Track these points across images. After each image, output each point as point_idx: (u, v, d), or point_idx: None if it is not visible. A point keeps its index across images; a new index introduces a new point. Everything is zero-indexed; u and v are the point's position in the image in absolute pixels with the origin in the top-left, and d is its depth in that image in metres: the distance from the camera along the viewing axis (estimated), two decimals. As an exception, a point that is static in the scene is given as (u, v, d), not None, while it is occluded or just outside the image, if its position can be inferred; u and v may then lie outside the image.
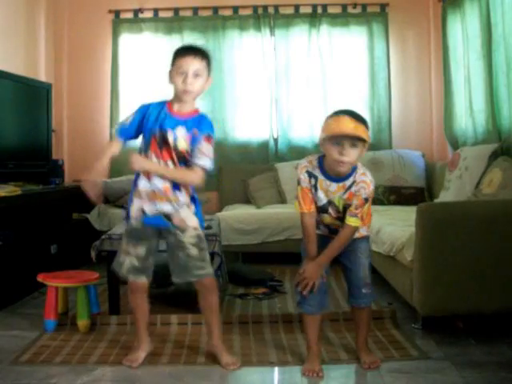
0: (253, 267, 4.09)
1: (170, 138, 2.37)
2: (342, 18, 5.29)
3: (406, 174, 4.88)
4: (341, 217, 2.38)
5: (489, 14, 3.96)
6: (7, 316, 3.24)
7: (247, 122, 5.35)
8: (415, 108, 5.37)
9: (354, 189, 2.31)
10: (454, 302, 2.74)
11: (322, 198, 2.36)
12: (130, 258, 2.47)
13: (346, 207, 2.35)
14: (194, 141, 2.37)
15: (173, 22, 5.32)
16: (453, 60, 4.76)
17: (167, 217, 2.42)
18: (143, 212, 2.43)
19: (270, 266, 4.22)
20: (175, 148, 2.37)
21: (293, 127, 5.30)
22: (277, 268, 4.22)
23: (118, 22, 5.34)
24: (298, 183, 2.38)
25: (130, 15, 5.34)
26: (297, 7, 5.29)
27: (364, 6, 5.27)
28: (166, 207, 2.41)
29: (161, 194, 2.39)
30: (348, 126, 2.18)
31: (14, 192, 3.57)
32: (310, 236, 2.40)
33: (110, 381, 2.39)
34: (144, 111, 2.47)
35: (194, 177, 2.38)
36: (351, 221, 2.33)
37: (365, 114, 5.22)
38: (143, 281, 2.51)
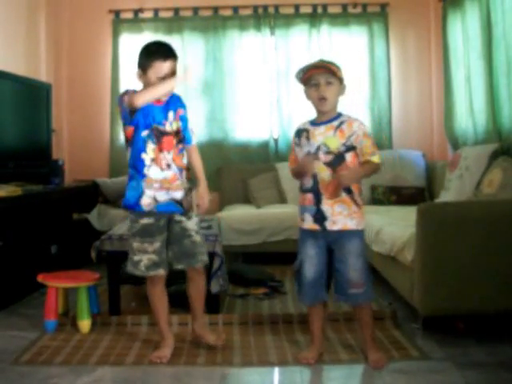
0: (253, 267, 4.09)
1: (168, 128, 2.52)
2: (343, 17, 5.28)
3: (407, 174, 4.88)
4: (331, 162, 2.39)
5: (489, 13, 3.96)
6: (7, 316, 3.24)
7: (247, 121, 5.35)
8: (415, 108, 5.36)
9: (344, 127, 2.40)
10: (454, 302, 2.74)
11: (313, 144, 2.44)
12: (147, 256, 2.53)
13: (341, 155, 2.38)
14: (182, 119, 2.59)
15: (173, 21, 5.32)
16: (453, 60, 4.76)
17: (178, 202, 2.55)
18: (155, 200, 2.51)
19: (271, 266, 4.22)
20: (175, 132, 2.54)
21: (293, 127, 5.28)
22: (277, 268, 4.22)
23: (118, 22, 5.34)
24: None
25: (130, 15, 5.34)
26: (297, 7, 5.29)
27: (364, 6, 5.27)
28: (177, 194, 2.54)
29: (171, 182, 2.52)
30: (316, 64, 2.46)
31: (15, 192, 3.56)
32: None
33: (110, 381, 2.39)
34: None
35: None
36: (374, 159, 2.40)
37: (365, 113, 5.23)
38: (162, 273, 2.57)
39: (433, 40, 5.29)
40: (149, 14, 5.33)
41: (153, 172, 2.49)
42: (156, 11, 5.32)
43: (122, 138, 5.31)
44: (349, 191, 2.42)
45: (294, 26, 5.30)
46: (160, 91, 2.46)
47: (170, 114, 2.54)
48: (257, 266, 4.16)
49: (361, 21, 5.28)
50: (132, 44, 5.34)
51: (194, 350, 2.66)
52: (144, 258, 2.53)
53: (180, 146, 2.57)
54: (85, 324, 2.94)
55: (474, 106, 4.36)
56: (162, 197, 2.51)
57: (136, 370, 2.47)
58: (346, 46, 5.27)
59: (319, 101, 2.42)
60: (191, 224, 2.60)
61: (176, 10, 5.31)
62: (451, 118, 4.82)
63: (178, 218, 2.57)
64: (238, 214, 4.60)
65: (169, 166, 2.51)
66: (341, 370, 2.48)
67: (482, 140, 4.18)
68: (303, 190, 2.49)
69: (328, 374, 2.44)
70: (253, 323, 3.01)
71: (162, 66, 2.47)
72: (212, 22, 5.31)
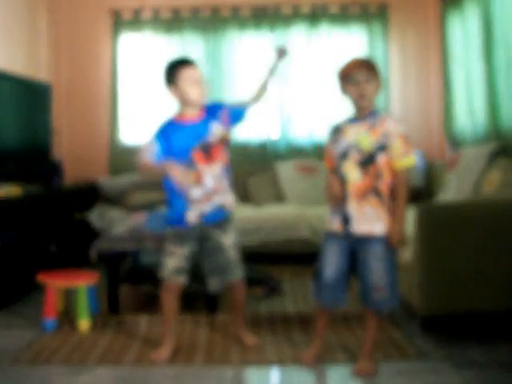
0: (252, 267, 4.08)
1: (213, 140, 2.55)
2: (342, 18, 5.28)
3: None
4: (362, 161, 2.35)
5: (489, 14, 3.97)
6: (7, 316, 3.24)
7: (247, 121, 5.34)
8: (415, 108, 5.36)
9: (378, 126, 2.37)
10: (453, 302, 2.74)
11: (345, 141, 2.40)
12: (174, 259, 2.57)
13: (373, 154, 2.34)
14: (233, 117, 2.65)
15: (173, 21, 5.32)
16: (453, 60, 4.76)
17: (222, 206, 2.59)
18: (201, 215, 2.55)
19: (269, 266, 4.22)
20: (222, 141, 2.58)
21: (292, 127, 5.30)
22: (276, 268, 4.22)
23: (118, 22, 5.34)
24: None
25: (130, 15, 5.34)
26: (296, 7, 5.29)
27: (364, 6, 5.26)
28: (219, 199, 2.58)
29: (214, 190, 2.55)
30: (356, 61, 2.43)
31: (14, 192, 3.57)
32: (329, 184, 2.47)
33: (110, 380, 2.40)
34: (167, 139, 2.56)
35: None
36: (400, 164, 2.34)
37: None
38: (182, 281, 2.60)
39: (432, 40, 5.29)
40: (149, 14, 5.33)
41: (194, 192, 2.52)
42: (156, 11, 5.32)
43: (121, 137, 5.33)
44: (378, 193, 2.36)
45: (293, 26, 5.29)
46: (159, 171, 2.47)
47: (214, 126, 2.57)
48: (255, 266, 4.15)
49: (360, 21, 5.28)
50: (132, 44, 5.35)
51: (193, 351, 2.67)
52: (171, 261, 2.57)
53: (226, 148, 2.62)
54: (84, 323, 2.95)
55: (473, 106, 4.36)
56: (208, 208, 2.56)
57: (135, 369, 2.48)
58: (346, 46, 5.26)
59: (359, 97, 2.41)
60: (226, 239, 2.62)
61: (176, 10, 5.31)
62: (450, 117, 4.82)
63: (213, 232, 2.59)
64: (236, 213, 4.58)
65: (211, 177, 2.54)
66: (340, 370, 2.48)
67: (482, 140, 4.18)
68: (339, 200, 2.42)
69: (327, 373, 2.45)
70: (251, 323, 3.01)
71: (191, 71, 2.53)
72: (212, 21, 5.31)
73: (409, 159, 2.35)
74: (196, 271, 2.73)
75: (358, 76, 2.39)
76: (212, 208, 2.56)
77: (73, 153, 5.32)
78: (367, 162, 2.35)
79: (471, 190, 3.70)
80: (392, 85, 5.30)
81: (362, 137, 2.37)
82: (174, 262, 2.57)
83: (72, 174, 5.13)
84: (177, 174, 2.38)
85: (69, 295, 3.18)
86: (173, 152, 2.51)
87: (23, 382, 2.36)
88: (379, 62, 5.26)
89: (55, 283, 2.99)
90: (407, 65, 5.36)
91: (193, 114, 2.57)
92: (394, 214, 2.35)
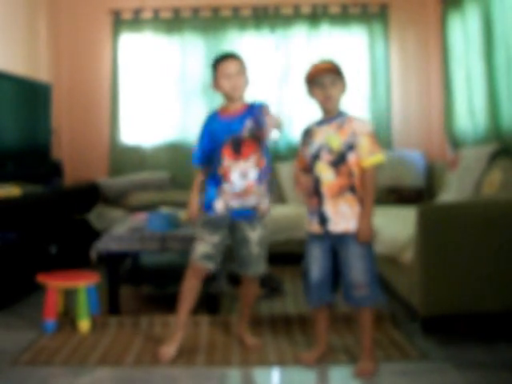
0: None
1: (246, 135, 2.56)
2: (342, 18, 5.28)
3: (406, 174, 4.87)
4: (333, 161, 2.41)
5: (489, 14, 3.96)
6: (7, 316, 3.24)
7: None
8: (415, 108, 5.36)
9: (346, 126, 2.42)
10: (454, 303, 2.74)
11: (316, 143, 2.47)
12: (204, 245, 2.59)
13: (343, 153, 2.39)
14: (259, 121, 2.56)
15: (173, 22, 5.32)
16: (453, 60, 4.76)
17: (252, 208, 2.60)
18: (229, 207, 2.58)
19: (270, 267, 4.21)
20: (252, 137, 2.57)
21: (293, 127, 5.29)
22: (277, 268, 4.21)
23: (118, 22, 5.34)
24: None
25: (130, 15, 5.34)
26: (297, 7, 5.29)
27: (364, 6, 5.26)
28: (251, 201, 2.59)
29: (246, 192, 2.57)
30: (321, 65, 2.48)
31: (14, 192, 3.57)
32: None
33: (110, 381, 2.39)
34: (208, 131, 2.66)
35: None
36: (367, 162, 2.39)
37: (365, 114, 5.22)
38: (210, 267, 2.61)
39: (433, 40, 5.29)
40: (149, 14, 5.33)
41: (227, 185, 2.58)
42: (156, 11, 5.32)
43: (122, 138, 5.33)
44: (353, 191, 2.41)
45: (293, 27, 5.29)
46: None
47: (247, 122, 2.57)
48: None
49: (361, 21, 5.28)
50: (132, 44, 5.35)
51: (193, 351, 2.66)
52: (200, 246, 2.60)
53: (260, 149, 2.62)
54: (84, 324, 2.94)
55: (473, 106, 4.36)
56: (236, 203, 2.59)
57: (135, 370, 2.48)
58: (346, 46, 5.27)
59: (325, 99, 2.46)
60: (253, 234, 2.63)
61: (176, 10, 5.31)
62: (451, 117, 4.82)
63: (242, 225, 2.62)
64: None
65: (245, 175, 2.57)
66: (340, 371, 2.48)
67: (482, 140, 4.17)
68: (309, 194, 2.49)
69: (327, 374, 2.45)
70: (252, 323, 3.00)
71: (225, 64, 2.58)
72: (212, 22, 5.31)
73: (376, 157, 2.41)
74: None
75: (324, 79, 2.44)
76: (241, 206, 2.58)
77: (73, 153, 5.31)
78: (338, 161, 2.41)
79: (472, 191, 3.70)
80: (392, 85, 5.30)
81: (330, 137, 2.43)
82: (202, 248, 2.59)
83: (72, 174, 5.12)
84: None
85: (69, 296, 3.17)
86: (214, 144, 2.60)
87: (23, 382, 2.35)
88: (380, 63, 5.26)
89: (55, 284, 2.98)
90: (407, 65, 5.36)
91: (235, 109, 2.62)
92: (363, 210, 2.41)
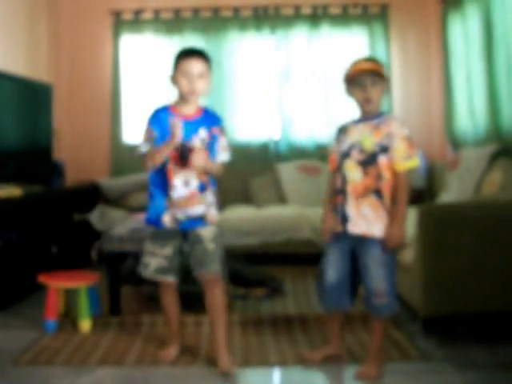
0: (253, 268, 4.08)
1: (197, 144, 2.43)
2: (343, 18, 5.28)
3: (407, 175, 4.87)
4: (363, 161, 2.34)
5: (489, 14, 3.97)
6: (8, 316, 3.24)
7: (248, 122, 5.35)
8: (416, 108, 5.36)
9: (383, 127, 2.34)
10: (454, 303, 2.74)
11: (348, 141, 2.40)
12: (156, 259, 2.50)
13: (375, 154, 2.32)
14: (213, 138, 2.50)
15: (173, 22, 5.32)
16: (453, 60, 4.76)
17: (199, 217, 2.46)
18: (177, 219, 2.44)
19: (271, 267, 4.22)
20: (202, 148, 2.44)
21: (294, 128, 5.30)
22: (277, 269, 4.22)
23: (119, 23, 5.34)
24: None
25: (130, 16, 5.34)
26: (297, 8, 5.29)
27: (365, 7, 5.26)
28: (197, 210, 2.44)
29: (189, 200, 2.42)
30: (364, 65, 2.38)
31: (15, 193, 3.57)
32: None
33: (111, 381, 2.39)
34: (158, 121, 2.45)
35: (220, 170, 2.55)
36: (402, 166, 2.31)
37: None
38: (171, 280, 2.53)
39: (433, 41, 5.29)
40: (149, 15, 5.33)
41: (176, 192, 2.42)
42: (156, 12, 5.32)
43: (123, 138, 5.34)
44: (378, 194, 2.33)
45: (294, 27, 5.29)
46: (162, 154, 2.37)
47: (202, 131, 2.46)
48: (257, 267, 4.16)
49: (361, 22, 5.28)
50: (132, 45, 5.35)
51: (193, 351, 2.67)
52: (153, 261, 2.50)
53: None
54: (85, 324, 2.95)
55: (474, 107, 4.36)
56: (181, 215, 2.44)
57: (136, 370, 2.48)
58: (347, 46, 5.27)
59: (364, 101, 2.38)
60: (206, 231, 2.48)
61: (176, 11, 5.31)
62: (451, 118, 4.82)
63: (205, 227, 2.49)
64: (238, 214, 4.60)
65: (187, 183, 2.43)
66: (340, 371, 2.48)
67: (482, 141, 4.18)
68: (336, 192, 2.43)
69: (327, 374, 2.45)
70: (253, 323, 3.01)
71: (188, 62, 2.41)
72: (212, 22, 5.31)
73: (411, 161, 2.33)
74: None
75: (365, 80, 2.36)
76: (187, 217, 2.44)
77: (74, 153, 5.32)
78: (368, 162, 2.34)
79: (472, 191, 3.70)
80: (393, 85, 5.30)
81: (364, 137, 2.36)
82: (155, 263, 2.49)
83: (73, 174, 5.12)
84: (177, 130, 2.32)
85: (70, 296, 3.17)
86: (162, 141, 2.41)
87: (24, 382, 2.36)
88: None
89: (56, 284, 2.99)
90: (408, 65, 5.37)
91: (188, 112, 2.46)
92: (394, 217, 2.31)
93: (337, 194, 2.42)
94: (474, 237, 2.71)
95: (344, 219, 2.36)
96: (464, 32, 4.51)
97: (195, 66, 2.42)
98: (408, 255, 2.92)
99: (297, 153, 5.23)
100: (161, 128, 2.43)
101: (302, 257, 4.33)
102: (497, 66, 3.90)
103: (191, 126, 2.43)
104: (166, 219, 2.45)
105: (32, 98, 4.34)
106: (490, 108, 4.02)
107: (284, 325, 3.00)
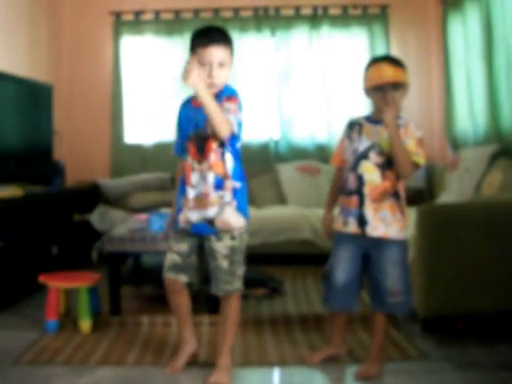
0: (253, 268, 4.08)
1: (210, 131, 2.22)
2: (343, 19, 5.28)
3: (407, 175, 4.88)
4: (382, 164, 2.32)
5: (489, 15, 3.97)
6: (8, 317, 3.25)
7: (248, 123, 5.33)
8: (415, 109, 5.36)
9: (402, 131, 2.31)
10: (454, 303, 2.74)
11: (365, 141, 2.36)
12: (171, 255, 2.40)
13: (392, 159, 2.30)
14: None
15: (174, 23, 5.33)
16: (453, 61, 4.77)
17: (211, 222, 2.29)
18: (189, 220, 2.33)
19: (271, 267, 4.23)
20: (214, 136, 2.23)
21: (293, 128, 5.30)
22: (277, 269, 4.22)
23: (119, 24, 5.35)
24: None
25: (131, 17, 5.35)
26: (297, 9, 5.29)
27: (365, 8, 5.27)
28: (209, 212, 2.28)
29: (204, 199, 2.27)
30: (388, 73, 2.31)
31: (16, 193, 3.58)
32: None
33: (111, 381, 2.40)
34: (179, 116, 2.42)
35: (227, 125, 2.19)
36: (414, 158, 2.29)
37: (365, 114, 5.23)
38: (182, 279, 2.39)
39: (433, 41, 5.30)
40: (150, 16, 5.34)
41: (190, 191, 2.31)
42: (157, 13, 5.33)
43: (123, 138, 5.34)
44: (396, 196, 2.35)
45: (294, 28, 5.30)
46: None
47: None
48: (257, 267, 4.16)
49: (361, 22, 5.29)
50: (133, 45, 5.36)
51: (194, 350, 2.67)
52: (168, 256, 2.40)
53: (220, 149, 2.29)
54: (86, 324, 2.95)
55: (474, 108, 4.37)
56: (193, 216, 2.30)
57: (137, 370, 2.48)
58: (347, 47, 5.27)
59: (385, 106, 2.32)
60: (220, 246, 2.30)
61: (177, 12, 5.32)
62: (451, 119, 4.82)
63: (215, 233, 2.32)
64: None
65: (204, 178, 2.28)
66: (340, 371, 2.48)
67: (482, 141, 4.18)
68: (347, 192, 2.39)
69: (327, 374, 2.45)
70: (252, 323, 3.02)
71: (209, 50, 2.18)
72: (213, 23, 5.31)
73: (417, 158, 2.31)
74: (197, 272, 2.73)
75: (386, 88, 2.32)
76: (197, 219, 2.30)
77: (74, 154, 5.32)
78: (387, 165, 2.33)
79: (472, 192, 3.70)
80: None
81: (384, 140, 2.33)
82: (170, 259, 2.40)
83: (74, 174, 5.13)
84: (193, 68, 2.07)
85: (70, 296, 3.18)
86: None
87: (25, 382, 2.36)
88: (380, 64, 5.26)
89: (57, 284, 2.99)
90: (408, 66, 5.32)
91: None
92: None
93: (349, 195, 2.38)
94: (474, 237, 2.72)
95: (362, 222, 2.34)
96: (464, 32, 4.51)
97: (215, 54, 2.19)
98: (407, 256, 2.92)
99: (297, 153, 5.23)
100: (180, 121, 2.39)
101: (301, 257, 4.34)
102: (497, 67, 3.90)
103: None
104: (182, 219, 2.36)
105: (33, 98, 4.34)
106: (490, 108, 4.03)
107: (284, 325, 3.00)
